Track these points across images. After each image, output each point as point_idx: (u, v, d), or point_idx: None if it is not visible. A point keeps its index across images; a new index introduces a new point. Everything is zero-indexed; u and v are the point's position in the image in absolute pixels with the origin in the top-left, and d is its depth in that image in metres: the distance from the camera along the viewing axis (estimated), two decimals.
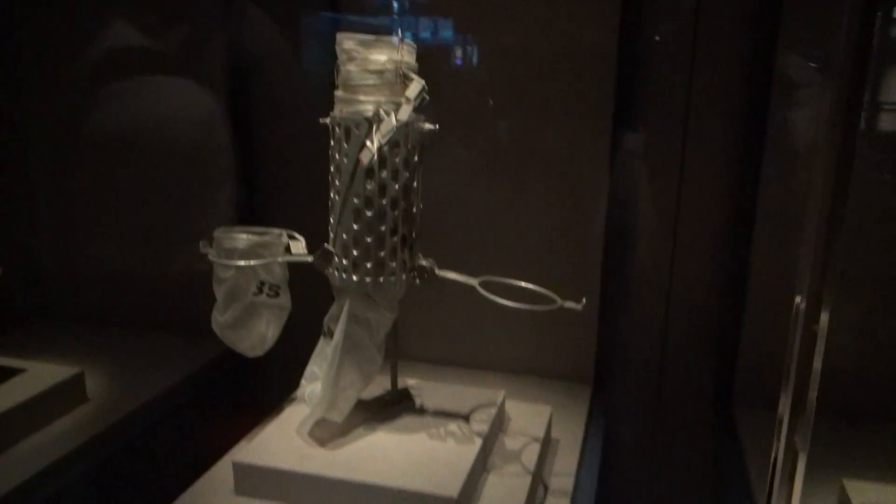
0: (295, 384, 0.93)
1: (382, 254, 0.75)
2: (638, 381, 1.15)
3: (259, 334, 0.86)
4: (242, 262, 0.81)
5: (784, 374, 0.54)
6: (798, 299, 0.52)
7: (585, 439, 1.00)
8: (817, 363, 0.49)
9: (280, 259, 0.83)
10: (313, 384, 0.79)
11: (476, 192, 1.13)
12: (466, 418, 0.86)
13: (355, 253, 0.75)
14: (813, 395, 0.51)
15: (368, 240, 0.75)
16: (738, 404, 1.09)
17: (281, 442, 0.81)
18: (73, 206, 1.33)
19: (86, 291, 1.36)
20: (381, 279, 0.76)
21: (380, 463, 0.76)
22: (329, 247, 0.77)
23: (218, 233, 0.83)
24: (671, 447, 1.14)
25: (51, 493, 0.88)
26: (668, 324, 1.13)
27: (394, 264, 0.76)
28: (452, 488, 0.72)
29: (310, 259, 0.80)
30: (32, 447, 0.94)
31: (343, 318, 0.77)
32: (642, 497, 1.18)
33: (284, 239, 0.84)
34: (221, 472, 0.83)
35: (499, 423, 0.90)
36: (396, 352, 0.87)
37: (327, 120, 0.76)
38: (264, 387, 1.20)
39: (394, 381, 0.90)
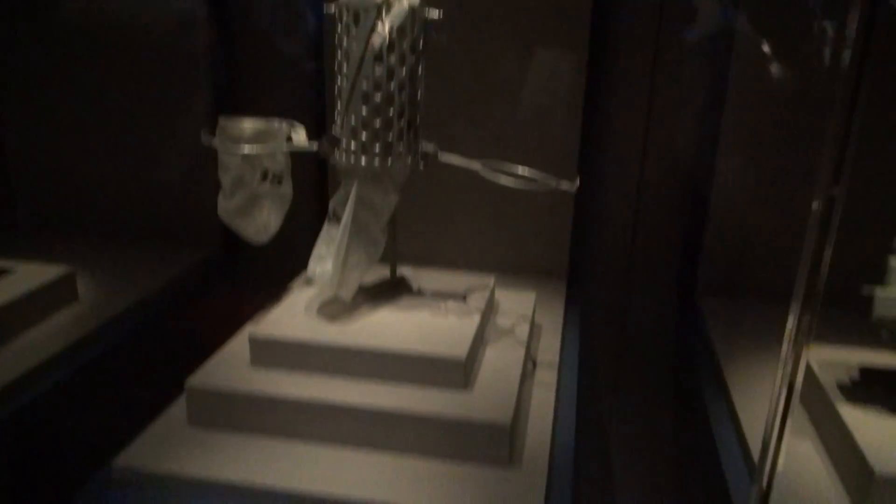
0: (280, 281, 0.97)
1: (390, 137, 0.79)
2: (609, 273, 1.23)
3: (263, 222, 0.89)
4: (248, 150, 0.84)
5: (802, 259, 0.59)
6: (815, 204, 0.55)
7: (565, 324, 1.08)
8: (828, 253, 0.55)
9: (284, 147, 0.86)
10: (322, 265, 0.84)
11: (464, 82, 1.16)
12: (463, 298, 0.92)
13: (364, 136, 0.79)
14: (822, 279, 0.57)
15: (377, 123, 0.78)
16: (701, 293, 1.19)
17: (292, 319, 0.85)
18: (47, 113, 1.30)
19: (64, 202, 1.35)
20: (389, 161, 0.80)
21: (389, 334, 0.82)
22: (336, 131, 0.80)
23: (223, 121, 0.85)
24: (640, 331, 1.23)
25: (51, 384, 0.91)
26: (636, 220, 1.21)
27: (401, 147, 0.80)
28: (461, 351, 0.78)
29: (314, 147, 0.83)
30: (27, 343, 0.96)
31: (351, 201, 0.81)
32: (617, 370, 1.27)
33: (286, 128, 0.87)
34: (235, 348, 0.87)
35: (491, 305, 0.96)
36: (395, 238, 0.92)
37: (332, 8, 0.78)
38: (250, 285, 1.24)
39: (393, 267, 0.95)
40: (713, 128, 1.14)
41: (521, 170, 0.83)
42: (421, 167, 0.84)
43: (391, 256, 0.93)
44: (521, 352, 0.88)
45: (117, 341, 1.02)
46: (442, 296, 0.93)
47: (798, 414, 0.85)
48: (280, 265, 1.06)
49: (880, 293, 0.74)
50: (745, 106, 1.11)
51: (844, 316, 0.77)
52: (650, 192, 1.21)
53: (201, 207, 1.29)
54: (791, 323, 0.57)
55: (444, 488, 0.71)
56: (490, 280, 0.98)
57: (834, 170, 0.52)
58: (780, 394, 0.59)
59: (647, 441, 1.28)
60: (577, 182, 0.81)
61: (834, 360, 0.88)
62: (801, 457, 0.78)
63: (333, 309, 0.87)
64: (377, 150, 0.79)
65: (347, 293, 0.84)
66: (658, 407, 1.25)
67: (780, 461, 0.59)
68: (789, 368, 0.58)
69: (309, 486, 0.71)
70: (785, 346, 0.58)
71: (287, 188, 0.90)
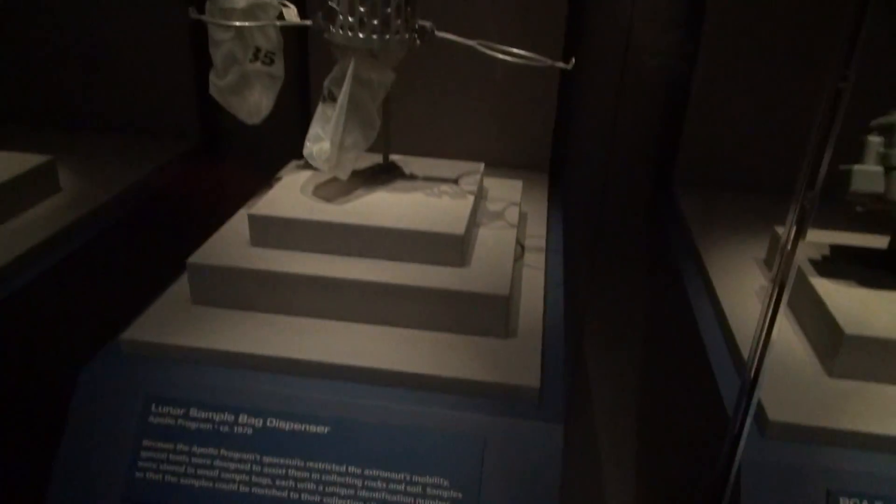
0: (267, 166, 0.97)
1: (388, 10, 0.78)
2: (590, 166, 1.25)
3: (255, 102, 0.89)
4: (239, 23, 0.82)
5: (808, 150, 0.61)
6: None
7: (549, 213, 1.11)
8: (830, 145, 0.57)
9: (277, 22, 0.84)
10: (318, 144, 0.84)
11: None
12: (455, 181, 0.94)
13: (362, 10, 0.78)
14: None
15: None
16: (678, 184, 1.22)
17: (289, 199, 0.86)
18: None
19: (38, 93, 1.30)
20: (387, 36, 0.79)
21: (387, 213, 0.83)
22: (333, 5, 0.79)
23: None
24: (618, 220, 1.27)
25: (46, 268, 0.90)
26: (617, 115, 1.23)
27: (399, 22, 0.79)
28: (458, 228, 0.81)
29: (309, 23, 0.82)
30: (13, 229, 0.94)
31: (347, 79, 0.81)
32: (594, 255, 1.32)
33: (277, 4, 0.85)
34: (233, 229, 0.87)
35: (481, 190, 0.98)
36: (389, 123, 0.92)
37: None
38: (237, 174, 1.24)
39: (386, 152, 0.95)
40: (696, 23, 1.15)
41: (517, 51, 0.83)
42: (418, 44, 0.83)
43: (384, 140, 0.93)
44: (513, 233, 0.90)
45: (108, 227, 1.01)
46: (434, 180, 0.94)
47: (770, 293, 0.91)
48: (267, 151, 1.06)
49: (858, 168, 0.77)
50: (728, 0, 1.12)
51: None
52: (631, 87, 1.22)
53: (182, 97, 1.27)
54: (790, 220, 0.60)
55: (446, 356, 0.74)
56: (480, 166, 1.00)
57: (844, 63, 0.53)
58: (773, 288, 0.62)
59: (622, 320, 1.34)
60: (573, 61, 0.82)
61: (809, 240, 0.92)
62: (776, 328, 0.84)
63: (330, 190, 0.88)
64: (375, 24, 0.78)
65: (344, 173, 0.85)
66: (633, 287, 1.31)
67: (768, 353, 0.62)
68: (784, 265, 0.62)
69: (311, 356, 0.74)
70: (784, 238, 0.62)
71: (278, 68, 0.88)
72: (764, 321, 0.62)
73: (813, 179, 0.59)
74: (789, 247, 0.62)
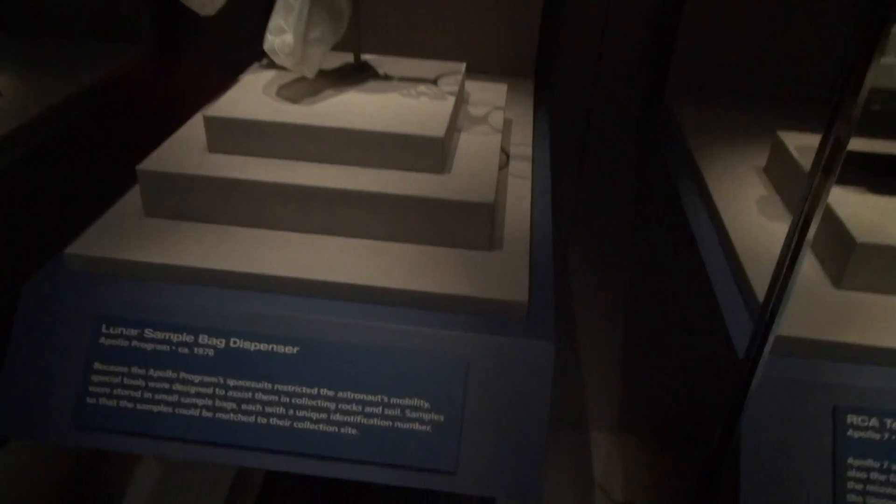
0: (230, 73, 0.88)
1: None
2: (577, 72, 1.17)
3: None
4: None
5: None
6: None
7: (535, 120, 1.03)
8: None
9: None
10: (280, 37, 0.75)
11: None
12: (434, 82, 0.86)
13: None
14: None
15: None
16: (672, 92, 1.15)
17: (250, 100, 0.78)
18: None
19: None
20: None
21: (358, 115, 0.76)
22: None
23: None
24: (607, 129, 1.20)
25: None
26: (607, 18, 1.14)
27: None
28: (438, 130, 0.73)
29: None
30: None
31: None
32: (581, 165, 1.25)
33: None
34: (188, 134, 0.79)
35: (462, 92, 0.90)
36: (361, 17, 0.83)
37: None
38: (194, 79, 1.14)
39: (357, 50, 0.86)
40: None
41: None
42: None
43: (355, 37, 0.84)
44: (497, 139, 0.83)
45: (53, 137, 0.92)
46: (411, 80, 0.86)
47: (774, 202, 0.85)
48: (232, 53, 0.96)
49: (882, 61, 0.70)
50: None
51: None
52: None
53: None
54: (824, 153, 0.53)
55: (425, 270, 0.68)
56: (461, 66, 0.91)
57: None
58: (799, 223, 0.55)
59: (610, 236, 1.29)
60: None
61: (811, 144, 0.86)
62: (779, 238, 0.78)
63: (295, 90, 0.80)
64: None
65: (310, 70, 0.76)
66: (622, 202, 1.25)
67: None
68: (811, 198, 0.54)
69: (277, 270, 0.67)
70: (812, 173, 0.54)
71: None
72: (785, 258, 0.56)
73: (857, 86, 0.50)
74: (816, 182, 0.54)
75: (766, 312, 0.57)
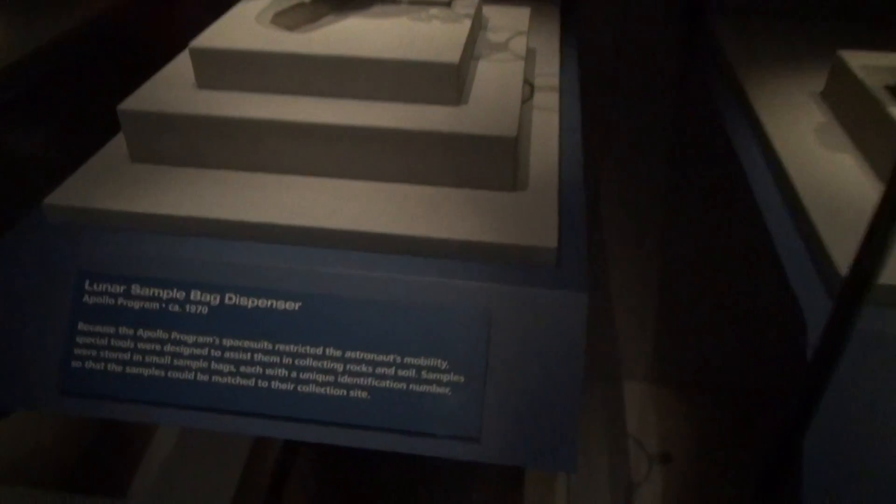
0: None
1: None
2: None
3: None
4: None
5: None
6: None
7: (562, 48, 0.94)
8: None
9: None
10: None
11: None
12: (447, 5, 0.76)
13: None
14: None
15: None
16: (715, 11, 1.04)
17: (242, 29, 0.70)
18: None
19: None
20: None
21: (363, 41, 0.67)
22: None
23: None
24: (643, 53, 1.10)
25: None
26: None
27: None
28: (453, 56, 0.64)
29: None
30: None
31: None
32: (618, 103, 1.15)
33: None
34: (176, 70, 0.72)
35: (480, 16, 0.81)
36: None
37: None
38: (188, 17, 1.05)
39: None
40: None
41: None
42: None
43: None
44: (520, 67, 0.74)
45: (36, 79, 0.85)
46: (422, 2, 0.77)
47: (835, 131, 0.76)
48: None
49: None
50: None
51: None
52: None
53: None
54: None
55: (441, 214, 0.61)
56: None
57: None
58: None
59: (644, 174, 1.19)
60: None
61: (878, 64, 0.76)
62: (842, 170, 0.69)
63: (292, 17, 0.71)
64: None
65: None
66: (658, 138, 1.16)
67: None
68: None
69: (276, 218, 0.60)
70: None
71: None
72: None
73: None
74: None
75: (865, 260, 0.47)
